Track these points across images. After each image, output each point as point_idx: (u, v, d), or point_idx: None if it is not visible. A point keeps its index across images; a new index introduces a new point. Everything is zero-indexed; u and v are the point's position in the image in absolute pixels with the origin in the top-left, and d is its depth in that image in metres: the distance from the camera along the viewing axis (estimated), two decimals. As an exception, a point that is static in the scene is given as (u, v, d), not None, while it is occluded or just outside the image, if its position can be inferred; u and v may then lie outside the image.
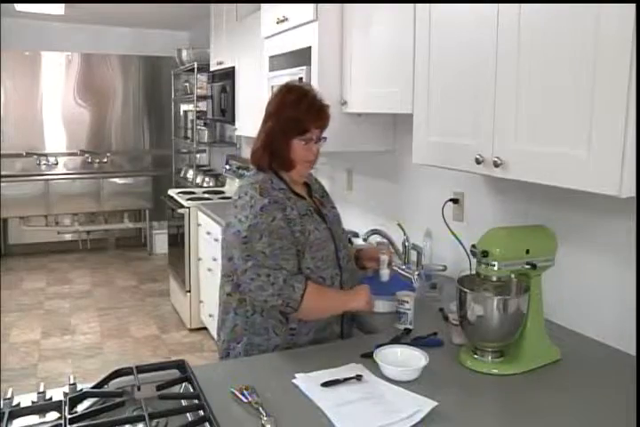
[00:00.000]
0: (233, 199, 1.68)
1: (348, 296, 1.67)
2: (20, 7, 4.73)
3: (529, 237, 1.53)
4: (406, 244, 2.41)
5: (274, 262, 1.54)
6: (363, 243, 2.59)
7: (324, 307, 1.64)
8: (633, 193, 1.19)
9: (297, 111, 1.63)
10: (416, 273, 2.13)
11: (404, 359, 1.45)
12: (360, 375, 1.38)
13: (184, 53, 5.23)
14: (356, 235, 2.71)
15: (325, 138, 1.71)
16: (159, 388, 1.28)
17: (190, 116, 5.48)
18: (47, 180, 5.84)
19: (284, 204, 1.61)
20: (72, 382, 1.29)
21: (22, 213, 5.81)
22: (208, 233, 3.78)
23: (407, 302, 1.75)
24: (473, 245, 1.49)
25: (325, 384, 1.34)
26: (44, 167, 5.98)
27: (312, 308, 1.59)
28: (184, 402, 1.26)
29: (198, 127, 5.22)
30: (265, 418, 1.19)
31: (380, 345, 1.52)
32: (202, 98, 5.01)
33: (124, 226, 6.32)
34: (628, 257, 1.56)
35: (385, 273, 1.93)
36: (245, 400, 1.27)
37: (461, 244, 1.82)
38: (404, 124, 2.40)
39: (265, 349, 1.65)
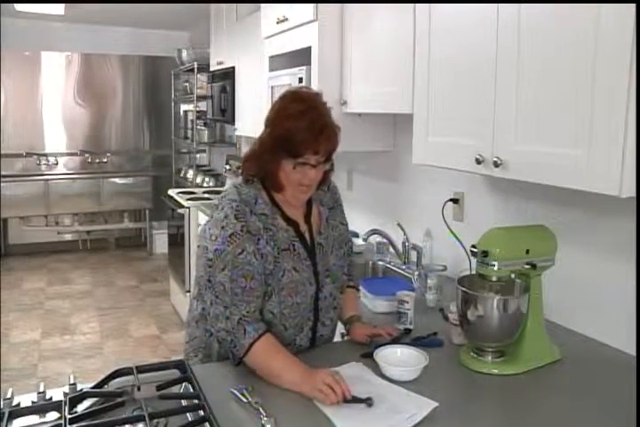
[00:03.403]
0: (214, 204, 1.47)
1: (303, 376, 1.31)
2: (19, 7, 4.73)
3: (529, 237, 1.53)
4: (406, 244, 2.41)
5: (231, 300, 1.36)
6: (362, 242, 2.60)
7: (272, 372, 1.35)
8: (633, 193, 1.19)
9: (293, 128, 1.34)
10: (416, 273, 2.14)
11: (405, 359, 1.45)
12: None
13: (184, 53, 5.23)
14: (356, 235, 2.72)
15: (332, 162, 1.45)
16: (159, 388, 1.28)
17: (190, 116, 5.48)
18: (47, 180, 5.84)
19: (258, 234, 1.38)
20: (72, 382, 1.29)
21: (22, 213, 5.81)
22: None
23: (407, 302, 1.75)
24: (473, 246, 1.49)
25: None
26: (43, 167, 5.98)
27: (257, 364, 1.37)
28: (184, 402, 1.26)
29: (198, 127, 5.22)
30: (265, 418, 1.19)
31: (380, 345, 1.51)
32: (202, 98, 5.00)
33: (124, 226, 6.32)
34: (628, 257, 1.56)
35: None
36: (245, 400, 1.27)
37: (461, 244, 1.82)
38: (404, 124, 2.40)
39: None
